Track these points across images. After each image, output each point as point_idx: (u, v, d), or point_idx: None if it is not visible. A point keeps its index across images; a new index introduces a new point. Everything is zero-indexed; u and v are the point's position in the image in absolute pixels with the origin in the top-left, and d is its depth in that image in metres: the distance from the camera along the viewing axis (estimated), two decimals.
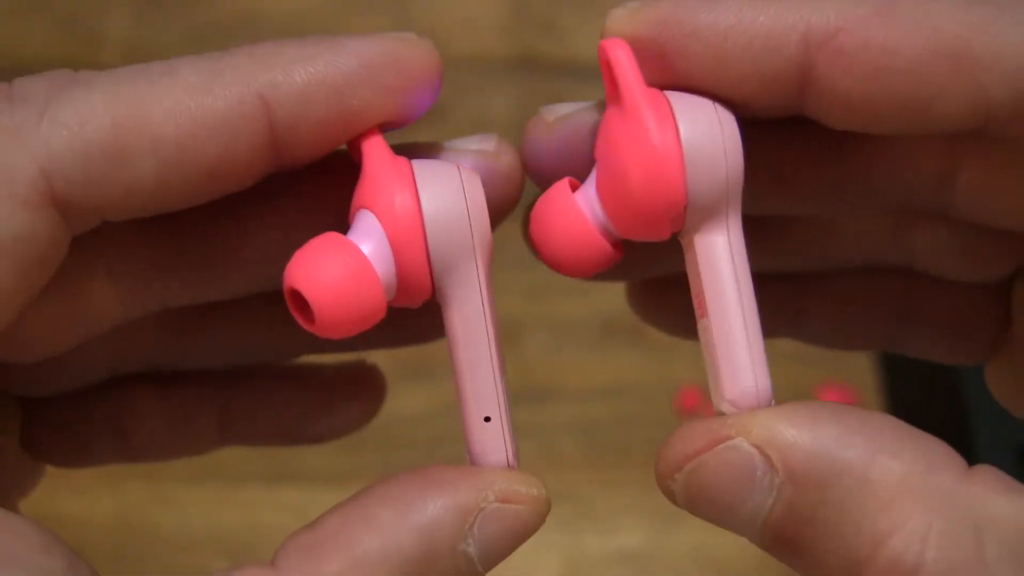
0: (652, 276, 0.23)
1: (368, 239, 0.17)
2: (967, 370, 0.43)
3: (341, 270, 0.17)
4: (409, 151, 0.19)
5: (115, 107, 0.16)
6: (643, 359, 0.50)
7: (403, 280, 0.18)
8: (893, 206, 0.20)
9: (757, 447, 0.16)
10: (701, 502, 0.17)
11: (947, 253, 0.21)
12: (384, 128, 0.19)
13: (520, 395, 0.54)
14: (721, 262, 0.17)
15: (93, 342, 0.21)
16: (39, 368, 0.21)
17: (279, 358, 0.24)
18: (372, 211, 0.17)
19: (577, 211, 0.18)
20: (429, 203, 0.17)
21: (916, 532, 0.15)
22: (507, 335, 0.55)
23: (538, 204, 0.19)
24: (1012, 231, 0.19)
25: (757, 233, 0.21)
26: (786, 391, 0.56)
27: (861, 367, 0.49)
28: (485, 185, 0.18)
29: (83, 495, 0.46)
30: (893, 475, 0.15)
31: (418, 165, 0.18)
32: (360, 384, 0.24)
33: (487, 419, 0.18)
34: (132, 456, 0.23)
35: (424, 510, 0.16)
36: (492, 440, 0.18)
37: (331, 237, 0.17)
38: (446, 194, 0.17)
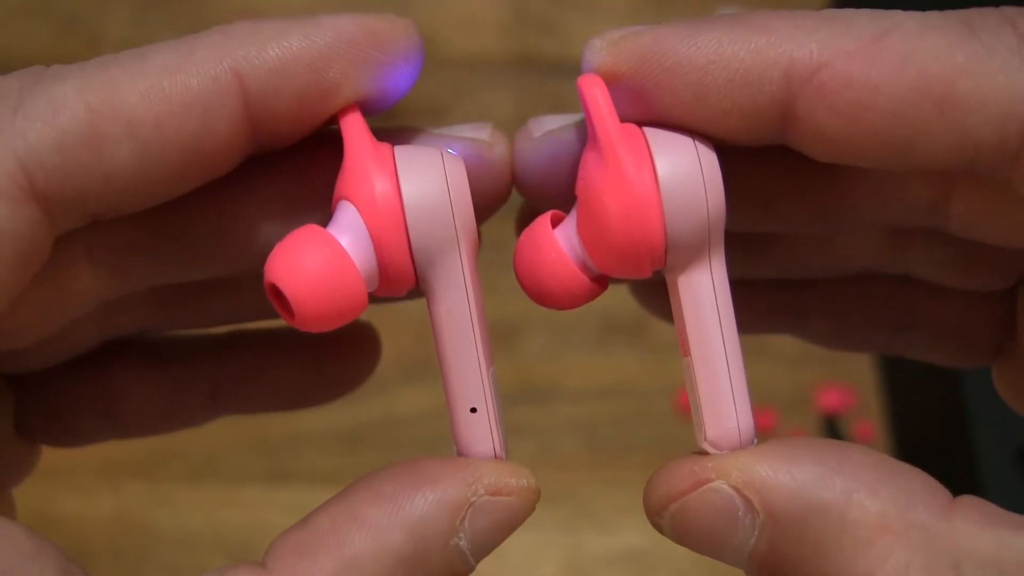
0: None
1: (347, 231, 0.17)
2: (967, 370, 0.43)
3: (319, 265, 0.17)
4: (397, 136, 0.19)
5: (88, 94, 0.16)
6: (643, 359, 0.49)
7: (385, 272, 0.17)
8: (884, 226, 0.20)
9: (736, 489, 0.16)
10: (688, 540, 0.17)
11: (945, 266, 0.21)
12: (369, 112, 0.18)
13: (520, 395, 0.54)
14: (704, 302, 0.17)
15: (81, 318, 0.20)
16: (27, 343, 0.20)
17: (267, 320, 0.23)
18: (351, 201, 0.17)
19: (557, 249, 0.18)
20: (410, 192, 0.17)
21: (895, 570, 0.15)
22: (507, 335, 0.55)
23: (520, 239, 0.19)
24: (1010, 248, 0.19)
25: (752, 244, 0.21)
26: (786, 391, 0.56)
27: (861, 367, 0.49)
28: (476, 175, 0.18)
29: (83, 495, 0.46)
30: (871, 513, 0.15)
31: (400, 152, 0.18)
32: (353, 343, 0.24)
33: (473, 410, 0.18)
34: (124, 432, 0.23)
35: (414, 507, 0.16)
36: (479, 431, 0.18)
37: (310, 230, 0.17)
38: (428, 183, 0.17)
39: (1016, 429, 0.42)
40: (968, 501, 0.16)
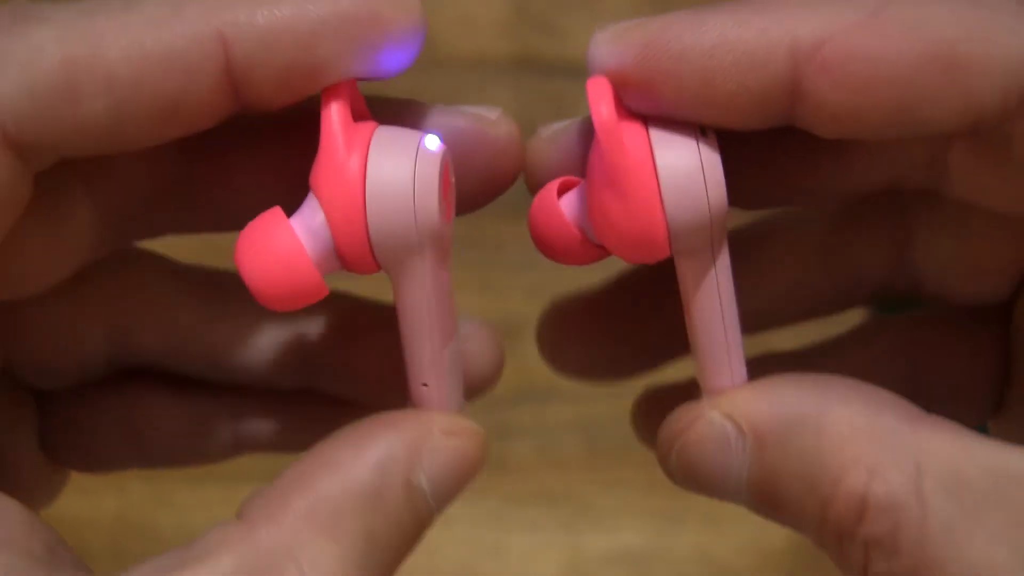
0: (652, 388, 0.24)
1: (307, 220, 0.17)
2: None
3: (271, 252, 0.17)
4: (398, 110, 0.19)
5: (67, 44, 0.16)
6: None
7: (344, 260, 0.18)
8: (885, 186, 0.20)
9: (726, 416, 0.18)
10: (693, 477, 0.19)
11: (949, 264, 0.21)
12: (361, 79, 0.18)
13: (520, 395, 0.53)
14: (706, 285, 0.18)
15: (91, 326, 0.21)
16: (44, 353, 0.21)
17: (279, 371, 0.24)
18: (315, 191, 0.17)
19: (561, 219, 0.18)
20: (373, 190, 0.17)
21: (863, 467, 0.16)
22: (507, 335, 0.55)
23: (532, 206, 0.19)
24: (1008, 217, 0.19)
25: (752, 277, 0.22)
26: None
27: None
28: (477, 153, 0.19)
29: (84, 495, 0.46)
30: (843, 420, 0.17)
31: (377, 140, 0.18)
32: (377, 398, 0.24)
33: (424, 385, 0.19)
34: (149, 460, 0.23)
35: (378, 446, 0.17)
36: (431, 403, 0.19)
37: (270, 215, 0.18)
38: (393, 179, 0.17)
39: None
40: (938, 418, 0.17)
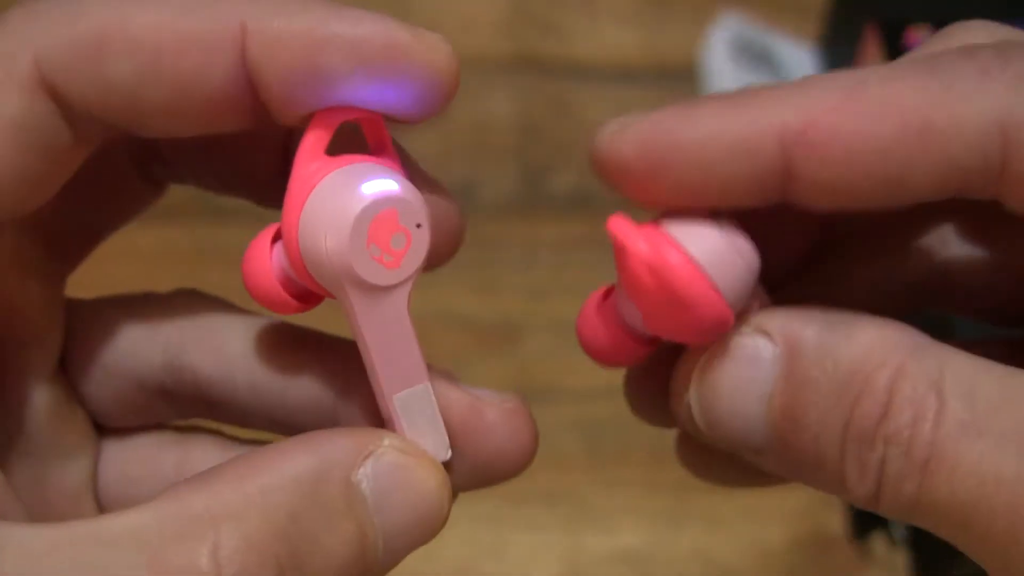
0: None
1: (279, 244, 0.19)
2: None
3: (249, 259, 0.19)
4: (370, 159, 0.19)
5: (104, 13, 0.18)
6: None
7: (303, 282, 0.19)
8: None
9: (758, 329, 0.18)
10: (715, 404, 0.19)
11: (984, 287, 0.22)
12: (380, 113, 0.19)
13: (520, 395, 0.53)
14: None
15: (150, 342, 0.22)
16: (105, 368, 0.22)
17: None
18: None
19: (610, 327, 0.20)
20: (304, 219, 0.18)
21: (891, 366, 0.17)
22: (507, 335, 0.55)
23: (580, 314, 0.20)
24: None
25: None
26: None
27: None
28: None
29: None
30: (872, 330, 0.18)
31: (340, 173, 0.18)
32: None
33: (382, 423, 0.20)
34: None
35: (327, 444, 0.18)
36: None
37: (263, 233, 0.19)
38: (317, 213, 0.18)
39: None
40: (955, 341, 0.18)
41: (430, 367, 0.20)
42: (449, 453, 0.20)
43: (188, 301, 0.22)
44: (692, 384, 0.19)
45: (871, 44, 0.52)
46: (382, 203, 0.18)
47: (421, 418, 0.20)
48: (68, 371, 0.22)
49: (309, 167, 0.18)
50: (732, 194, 0.18)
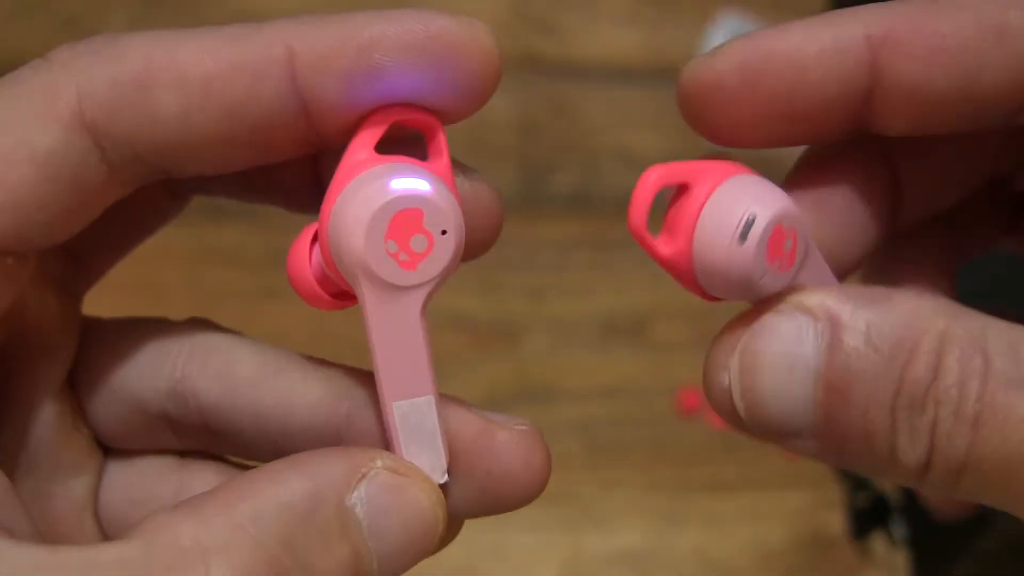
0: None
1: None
2: None
3: (293, 259, 0.19)
4: (417, 160, 0.19)
5: (150, 47, 0.18)
6: (643, 359, 0.49)
7: (334, 275, 0.19)
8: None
9: (798, 306, 0.18)
10: (756, 382, 0.18)
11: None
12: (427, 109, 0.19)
13: (520, 395, 0.53)
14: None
15: (158, 362, 0.21)
16: (111, 386, 0.21)
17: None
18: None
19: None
20: (335, 210, 0.18)
21: (936, 331, 0.17)
22: (507, 335, 0.55)
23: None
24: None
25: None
26: None
27: None
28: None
29: None
30: (912, 300, 0.18)
31: (377, 168, 0.18)
32: None
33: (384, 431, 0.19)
34: None
35: (319, 467, 0.18)
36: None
37: (312, 227, 0.19)
38: (344, 205, 0.18)
39: None
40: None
41: (444, 395, 0.19)
42: (445, 477, 0.19)
43: (198, 329, 0.22)
44: (732, 365, 0.19)
45: None
46: (407, 200, 0.18)
47: (420, 432, 0.19)
48: (76, 388, 0.22)
49: (353, 161, 0.18)
50: (822, 97, 0.19)
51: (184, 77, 0.18)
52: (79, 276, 0.22)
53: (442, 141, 0.19)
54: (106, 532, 0.22)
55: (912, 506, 0.50)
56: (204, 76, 0.18)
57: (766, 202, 0.18)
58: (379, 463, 0.18)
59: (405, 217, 0.18)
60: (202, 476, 0.23)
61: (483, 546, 0.46)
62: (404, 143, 0.19)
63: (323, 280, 0.19)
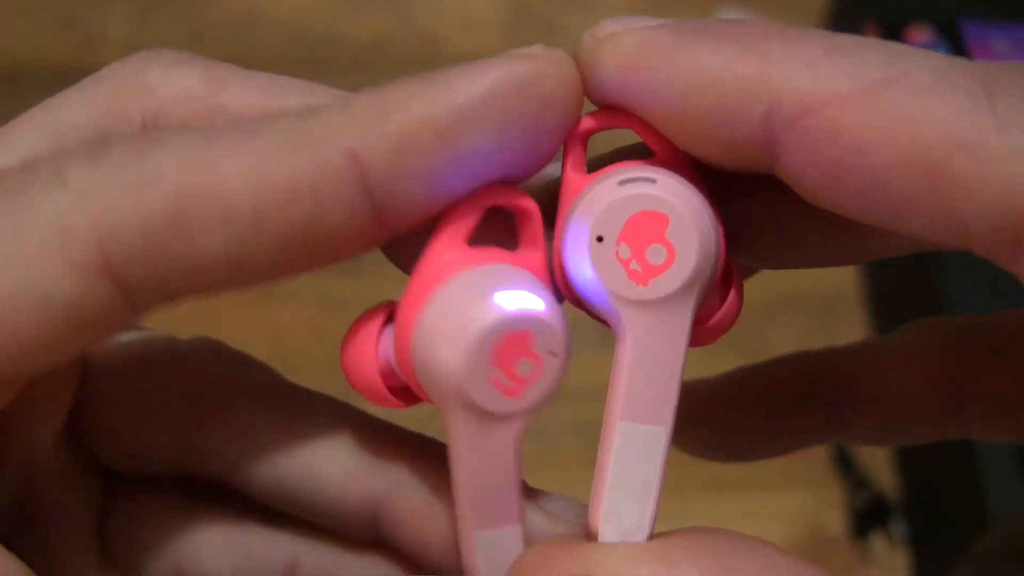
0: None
1: (389, 330, 0.17)
2: None
3: (354, 347, 0.17)
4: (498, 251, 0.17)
5: (183, 173, 0.15)
6: None
7: (405, 379, 0.16)
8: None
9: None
10: None
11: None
12: (515, 180, 0.16)
13: None
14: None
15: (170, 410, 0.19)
16: (117, 420, 0.20)
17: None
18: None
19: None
20: (424, 321, 0.16)
21: None
22: None
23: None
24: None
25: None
26: None
27: None
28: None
29: None
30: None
31: (474, 272, 0.16)
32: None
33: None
34: None
35: None
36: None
37: (377, 311, 0.17)
38: (438, 318, 0.15)
39: None
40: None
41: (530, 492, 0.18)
42: None
43: (208, 363, 0.20)
44: None
45: None
46: (516, 322, 0.15)
47: (503, 564, 0.17)
48: (76, 426, 0.20)
49: (443, 257, 0.16)
50: (708, 152, 0.15)
51: (230, 211, 0.15)
52: None
53: (538, 228, 0.16)
54: (116, 566, 0.21)
55: (912, 506, 0.50)
56: (253, 208, 0.15)
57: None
58: None
59: (512, 340, 0.15)
60: (207, 539, 0.21)
61: None
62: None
63: (388, 375, 0.17)
